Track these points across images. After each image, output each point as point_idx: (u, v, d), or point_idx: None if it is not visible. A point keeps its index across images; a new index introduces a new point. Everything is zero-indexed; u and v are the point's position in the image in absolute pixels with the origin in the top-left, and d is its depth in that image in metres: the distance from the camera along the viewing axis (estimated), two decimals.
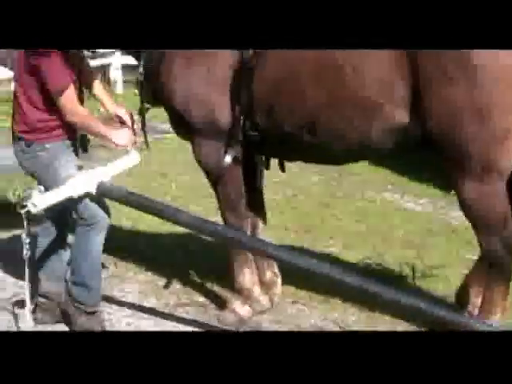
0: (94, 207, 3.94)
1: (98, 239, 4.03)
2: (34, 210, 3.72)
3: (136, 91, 12.75)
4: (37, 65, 3.78)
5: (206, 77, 3.87)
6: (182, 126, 4.11)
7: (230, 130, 3.91)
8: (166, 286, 4.81)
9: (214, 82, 3.86)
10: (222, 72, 3.84)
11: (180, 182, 7.41)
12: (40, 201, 3.71)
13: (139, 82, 4.13)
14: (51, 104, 3.87)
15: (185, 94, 3.93)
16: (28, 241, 3.79)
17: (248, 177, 4.20)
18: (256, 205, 4.38)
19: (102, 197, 3.94)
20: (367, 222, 6.26)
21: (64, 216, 4.11)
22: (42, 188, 3.78)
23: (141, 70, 4.06)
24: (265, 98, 3.79)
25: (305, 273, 3.53)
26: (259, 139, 3.94)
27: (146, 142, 4.35)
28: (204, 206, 6.59)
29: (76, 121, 3.87)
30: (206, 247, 5.33)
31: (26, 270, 3.84)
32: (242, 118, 3.86)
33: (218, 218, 6.05)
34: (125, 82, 12.87)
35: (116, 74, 12.60)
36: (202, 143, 4.04)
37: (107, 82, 12.50)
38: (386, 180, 7.70)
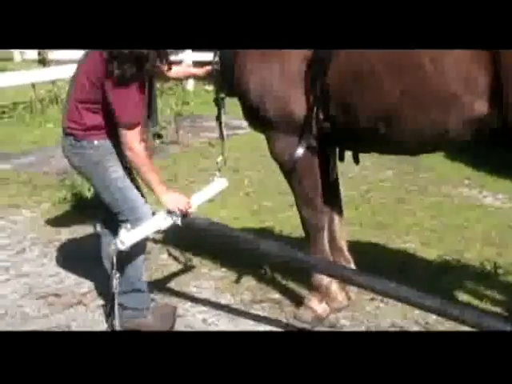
0: (138, 211, 3.91)
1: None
2: (122, 247, 3.68)
3: (207, 88, 12.90)
4: (112, 92, 3.66)
5: (280, 70, 3.80)
6: (256, 119, 4.05)
7: (303, 123, 3.84)
8: (241, 283, 4.78)
9: (288, 75, 3.79)
10: (295, 65, 3.77)
11: (252, 178, 7.38)
12: (128, 238, 3.68)
13: (214, 71, 4.08)
14: (107, 111, 3.77)
15: (259, 88, 3.87)
16: (118, 276, 3.76)
17: (323, 170, 4.12)
18: (332, 199, 4.30)
19: (186, 227, 3.94)
20: (444, 218, 6.09)
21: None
22: (128, 225, 3.74)
23: (216, 59, 4.02)
24: (339, 90, 3.70)
25: (383, 296, 3.43)
26: (333, 131, 3.86)
27: (222, 133, 4.32)
28: (276, 201, 6.59)
29: (129, 156, 3.77)
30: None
31: (116, 306, 3.84)
32: (315, 110, 3.79)
33: (291, 213, 6.09)
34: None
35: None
36: (276, 137, 3.98)
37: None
38: (462, 174, 7.50)
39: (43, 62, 12.81)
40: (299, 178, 4.01)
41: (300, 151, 3.85)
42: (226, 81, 4.06)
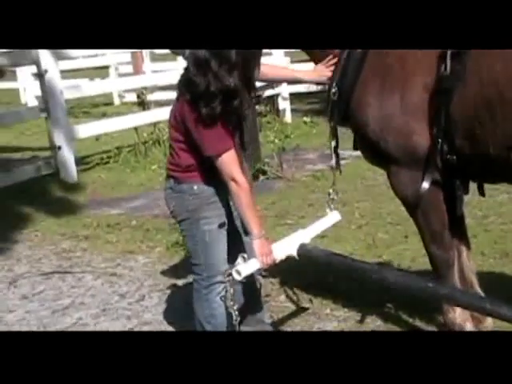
0: (214, 269, 3.82)
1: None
2: (238, 278, 3.58)
3: (305, 119, 12.80)
4: (197, 129, 3.56)
5: (401, 102, 3.69)
6: (376, 153, 3.92)
7: (427, 156, 3.70)
8: (366, 323, 4.62)
9: (409, 106, 3.67)
10: (417, 96, 3.65)
11: (362, 210, 7.21)
12: (244, 268, 3.59)
13: (331, 101, 3.94)
14: (199, 150, 3.66)
15: (379, 120, 3.76)
16: (236, 307, 3.63)
17: (448, 204, 3.95)
18: (459, 232, 4.11)
19: (303, 258, 3.82)
20: None
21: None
22: (245, 255, 3.63)
23: (334, 90, 3.90)
24: (465, 121, 3.55)
25: None
26: (458, 163, 3.70)
27: (338, 163, 4.21)
28: (391, 233, 6.42)
29: (232, 188, 3.61)
30: None
31: None
32: (440, 142, 3.64)
33: (407, 246, 5.91)
34: (293, 110, 12.92)
35: (284, 104, 12.64)
36: (398, 171, 3.85)
37: (276, 112, 12.58)
38: None
39: (142, 104, 13.07)
40: (425, 214, 3.86)
41: (425, 186, 3.70)
42: (341, 111, 3.95)
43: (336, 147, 4.13)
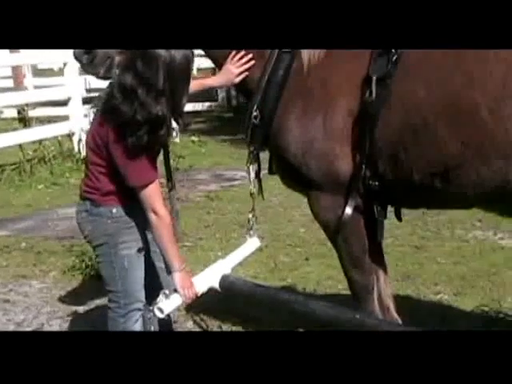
0: (132, 296, 3.68)
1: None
2: (160, 315, 3.46)
3: (193, 138, 12.65)
4: (121, 157, 3.40)
5: (324, 127, 3.63)
6: (297, 177, 3.84)
7: (350, 181, 3.67)
8: None
9: (332, 132, 3.62)
10: (340, 121, 3.61)
11: (261, 232, 7.11)
12: (167, 305, 3.46)
13: (251, 125, 3.83)
14: (121, 175, 3.50)
15: (302, 146, 3.69)
16: None
17: (368, 229, 3.92)
18: (377, 256, 4.09)
19: (226, 291, 3.73)
20: (468, 264, 5.94)
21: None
22: (166, 291, 3.49)
23: (255, 113, 3.80)
24: (389, 146, 3.54)
25: None
26: (380, 189, 3.68)
27: (261, 188, 4.09)
28: (292, 255, 6.41)
29: (152, 220, 3.46)
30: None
31: None
32: (362, 167, 3.62)
33: (309, 268, 5.90)
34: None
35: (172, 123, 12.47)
36: (319, 196, 3.79)
37: None
38: (472, 216, 7.31)
39: (24, 121, 12.56)
40: (346, 239, 3.81)
41: (348, 211, 3.67)
42: (264, 135, 3.85)
43: (258, 172, 4.04)
